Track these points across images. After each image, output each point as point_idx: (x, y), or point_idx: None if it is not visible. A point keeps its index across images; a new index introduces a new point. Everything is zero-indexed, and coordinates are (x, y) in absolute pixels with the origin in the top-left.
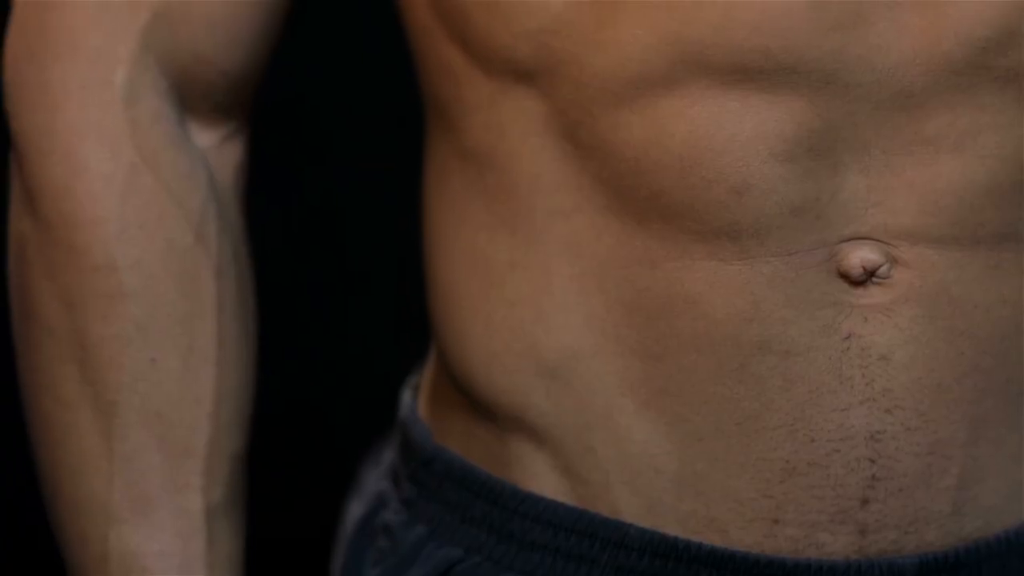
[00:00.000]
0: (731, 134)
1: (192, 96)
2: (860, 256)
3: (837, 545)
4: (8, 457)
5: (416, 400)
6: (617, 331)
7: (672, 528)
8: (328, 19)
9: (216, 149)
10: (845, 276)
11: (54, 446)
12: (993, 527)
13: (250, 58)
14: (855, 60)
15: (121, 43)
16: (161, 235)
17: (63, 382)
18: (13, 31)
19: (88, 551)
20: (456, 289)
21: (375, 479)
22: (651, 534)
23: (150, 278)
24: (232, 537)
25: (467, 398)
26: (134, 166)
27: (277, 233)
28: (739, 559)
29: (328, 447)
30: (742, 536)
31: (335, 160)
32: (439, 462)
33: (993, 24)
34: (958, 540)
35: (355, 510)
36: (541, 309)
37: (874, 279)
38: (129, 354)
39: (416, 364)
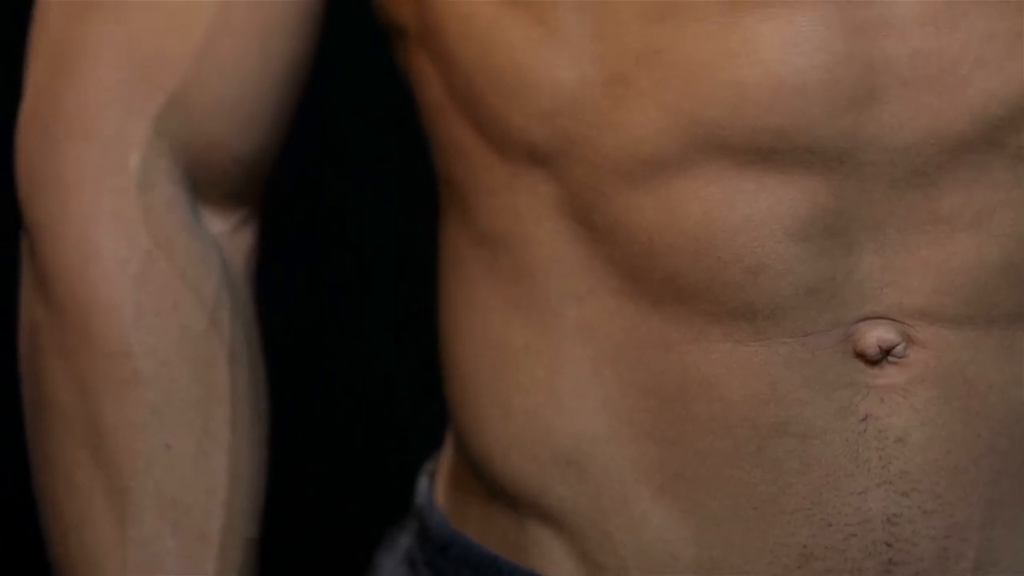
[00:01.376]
0: (746, 214)
1: (205, 182)
2: (876, 335)
3: None
4: (9, 458)
5: (432, 486)
6: (632, 415)
7: None
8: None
9: (228, 235)
10: (861, 356)
11: (67, 531)
12: None
13: (263, 144)
14: (869, 139)
15: (136, 128)
16: (176, 322)
17: (76, 467)
18: (26, 114)
19: None
20: (472, 373)
21: (392, 565)
22: None
23: (165, 364)
24: None
25: (484, 483)
26: (149, 252)
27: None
28: None
29: (342, 531)
30: None
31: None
32: (457, 548)
33: (1008, 102)
34: None
35: None
36: (555, 393)
37: (890, 358)
38: (144, 439)
39: (434, 450)
